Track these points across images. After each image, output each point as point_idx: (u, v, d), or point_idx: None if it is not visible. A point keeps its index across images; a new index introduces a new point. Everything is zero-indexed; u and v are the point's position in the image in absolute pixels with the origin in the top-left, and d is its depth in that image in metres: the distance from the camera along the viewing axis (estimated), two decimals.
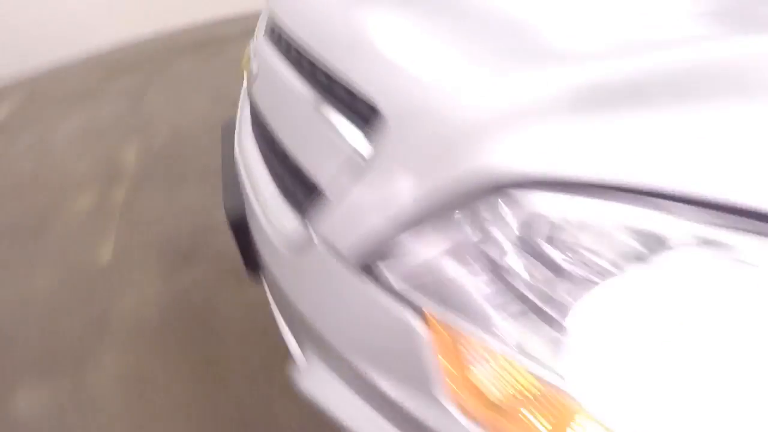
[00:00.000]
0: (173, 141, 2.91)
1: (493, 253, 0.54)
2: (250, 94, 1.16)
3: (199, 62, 4.06)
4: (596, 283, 0.49)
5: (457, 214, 0.57)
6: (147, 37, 4.78)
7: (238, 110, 1.27)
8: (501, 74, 0.59)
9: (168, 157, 2.75)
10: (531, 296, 0.52)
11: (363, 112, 0.71)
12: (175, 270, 1.94)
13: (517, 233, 0.53)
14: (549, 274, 0.51)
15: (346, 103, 0.76)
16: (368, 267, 0.64)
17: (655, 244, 0.47)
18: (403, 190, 0.61)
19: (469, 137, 0.56)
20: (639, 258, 0.47)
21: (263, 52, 1.10)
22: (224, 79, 3.63)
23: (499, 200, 0.54)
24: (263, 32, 1.20)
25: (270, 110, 0.98)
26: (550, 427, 0.51)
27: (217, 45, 4.33)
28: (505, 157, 0.53)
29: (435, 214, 0.58)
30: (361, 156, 0.68)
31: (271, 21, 1.15)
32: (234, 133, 1.22)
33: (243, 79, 1.29)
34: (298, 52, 0.91)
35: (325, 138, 0.76)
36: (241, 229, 0.99)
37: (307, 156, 0.82)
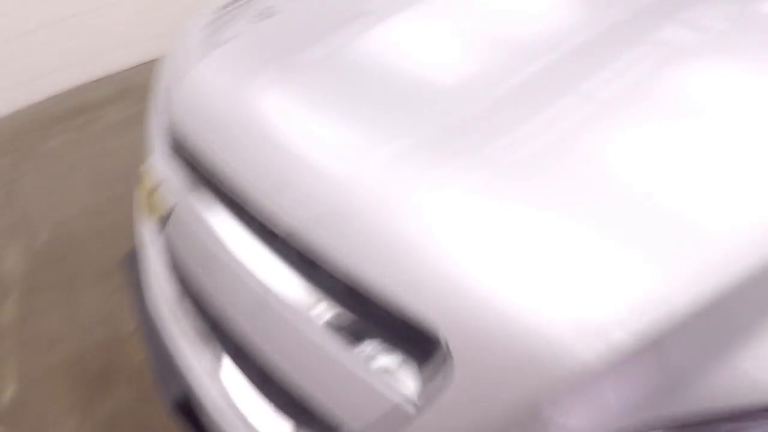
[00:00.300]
0: (58, 238, 2.66)
1: None
2: (164, 238, 0.99)
3: (71, 136, 3.75)
4: None
5: None
6: (8, 114, 4.37)
7: (140, 247, 1.14)
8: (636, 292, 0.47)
9: (56, 258, 2.51)
10: None
11: (403, 335, 0.56)
12: (94, 396, 1.77)
13: None
14: None
15: (369, 317, 0.59)
16: None
17: None
18: None
19: (604, 385, 0.46)
20: None
21: (174, 185, 0.90)
22: (102, 153, 3.38)
23: None
24: (163, 147, 0.97)
25: (207, 279, 0.81)
26: None
27: (89, 112, 4.02)
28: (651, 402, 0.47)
29: None
30: (415, 396, 0.54)
31: (173, 134, 0.92)
32: (139, 274, 1.09)
33: (142, 209, 1.16)
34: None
35: (339, 358, 0.60)
36: (189, 411, 0.83)
37: (302, 373, 0.65)
